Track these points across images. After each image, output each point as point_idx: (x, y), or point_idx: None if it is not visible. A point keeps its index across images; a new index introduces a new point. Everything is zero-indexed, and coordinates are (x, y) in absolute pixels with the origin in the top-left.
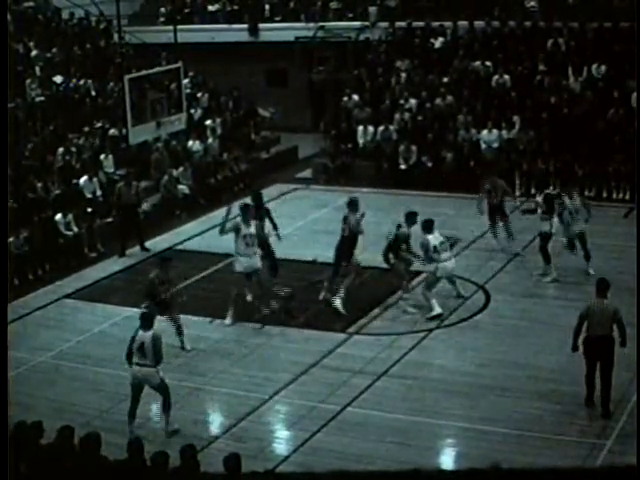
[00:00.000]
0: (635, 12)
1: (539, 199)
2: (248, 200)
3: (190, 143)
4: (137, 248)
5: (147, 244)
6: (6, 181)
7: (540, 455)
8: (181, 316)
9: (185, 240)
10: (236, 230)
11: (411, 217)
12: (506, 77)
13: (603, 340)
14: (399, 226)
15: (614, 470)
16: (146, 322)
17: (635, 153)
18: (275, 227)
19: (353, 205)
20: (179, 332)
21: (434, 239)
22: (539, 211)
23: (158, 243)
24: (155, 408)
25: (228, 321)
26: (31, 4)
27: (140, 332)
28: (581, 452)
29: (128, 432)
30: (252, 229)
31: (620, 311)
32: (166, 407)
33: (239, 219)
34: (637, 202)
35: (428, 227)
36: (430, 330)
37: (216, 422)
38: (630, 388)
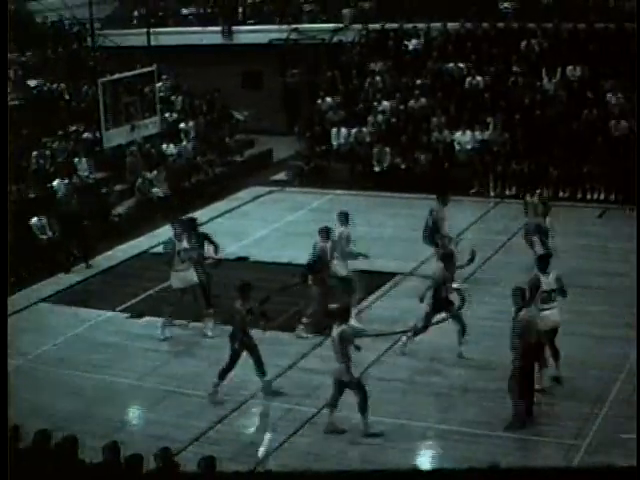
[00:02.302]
0: (635, 12)
1: None
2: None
3: (164, 146)
4: (109, 253)
5: (122, 247)
6: (6, 181)
7: (516, 456)
8: (156, 318)
9: (160, 243)
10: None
11: (343, 217)
12: (480, 78)
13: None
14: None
15: (614, 470)
16: (340, 320)
17: (635, 153)
18: (216, 250)
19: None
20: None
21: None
22: None
23: (133, 247)
24: (133, 413)
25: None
26: None
27: (334, 329)
28: (558, 452)
29: (327, 422)
30: (185, 244)
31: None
32: (362, 407)
33: (172, 236)
34: (637, 202)
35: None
36: (405, 332)
37: (192, 425)
38: (607, 388)
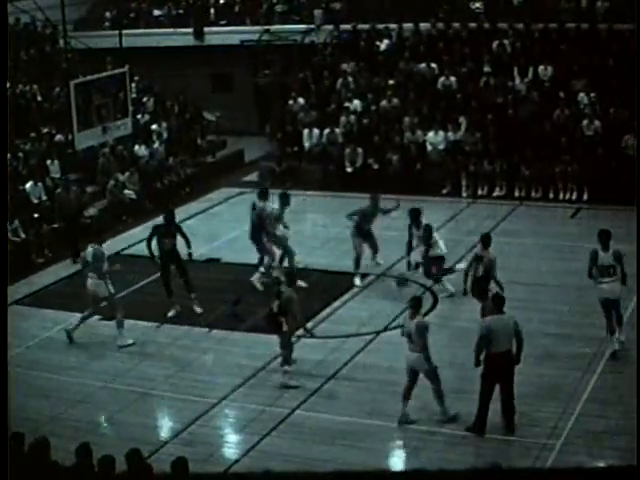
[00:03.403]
0: (635, 12)
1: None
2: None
3: (136, 148)
4: (80, 254)
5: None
6: (6, 181)
7: (491, 456)
8: (127, 320)
9: (132, 245)
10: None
11: (284, 198)
12: (452, 79)
13: (507, 355)
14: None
15: (614, 470)
16: (414, 309)
17: (636, 155)
18: (188, 244)
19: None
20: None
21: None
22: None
23: (105, 248)
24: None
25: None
26: None
27: (407, 320)
28: (532, 452)
29: (401, 413)
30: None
31: (519, 324)
32: (439, 394)
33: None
34: (637, 202)
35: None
36: (377, 332)
37: (165, 427)
38: (579, 387)
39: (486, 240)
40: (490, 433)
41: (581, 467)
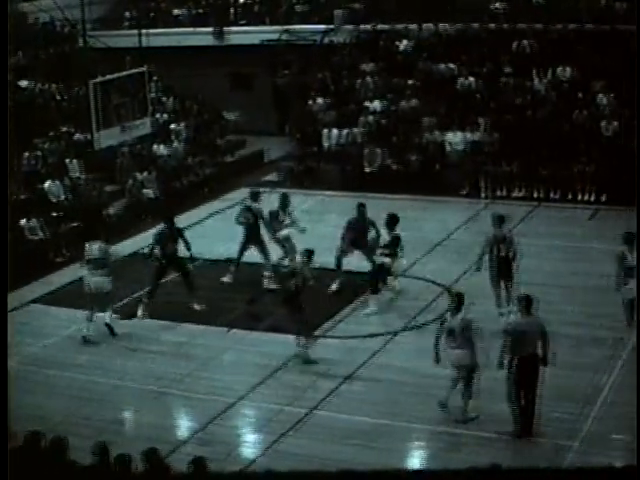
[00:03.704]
0: (635, 13)
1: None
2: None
3: (155, 147)
4: None
5: (113, 248)
6: (6, 183)
7: (507, 458)
8: (147, 320)
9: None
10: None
11: (284, 199)
12: (471, 79)
13: (533, 358)
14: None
15: (614, 470)
16: (456, 306)
17: (635, 156)
18: (188, 247)
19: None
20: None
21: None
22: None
23: (124, 247)
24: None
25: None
26: None
27: (449, 317)
28: (549, 453)
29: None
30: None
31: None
32: (469, 394)
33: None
34: (637, 202)
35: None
36: (395, 333)
37: (182, 426)
38: (596, 388)
39: (500, 219)
40: (507, 434)
41: (581, 467)
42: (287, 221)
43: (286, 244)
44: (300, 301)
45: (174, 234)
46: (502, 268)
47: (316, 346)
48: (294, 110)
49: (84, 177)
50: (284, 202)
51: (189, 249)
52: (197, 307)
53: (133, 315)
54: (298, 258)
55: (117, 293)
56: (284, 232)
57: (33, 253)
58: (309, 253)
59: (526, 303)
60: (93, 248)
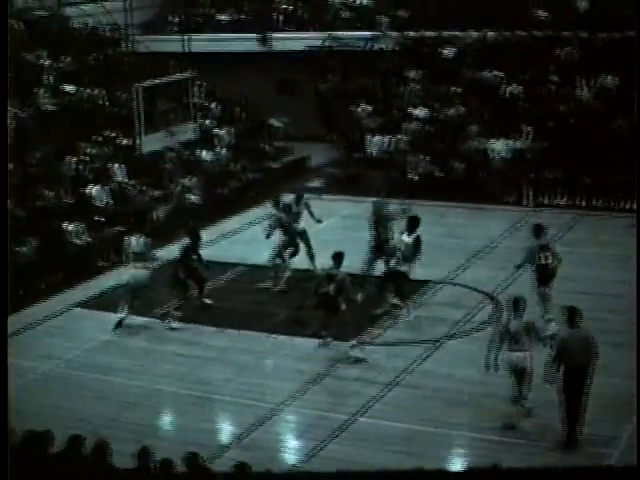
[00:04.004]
0: (636, 15)
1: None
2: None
3: (200, 153)
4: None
5: (158, 253)
6: (6, 183)
7: (549, 464)
8: (191, 325)
9: None
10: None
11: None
12: (515, 87)
13: (582, 370)
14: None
15: (614, 470)
16: (517, 310)
17: (636, 158)
18: (203, 263)
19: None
20: None
21: None
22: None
23: (169, 252)
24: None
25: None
26: (42, 13)
27: (511, 320)
28: (590, 461)
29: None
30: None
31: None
32: (524, 396)
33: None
34: (637, 204)
35: None
36: (439, 340)
37: (224, 431)
38: (637, 397)
39: (539, 228)
40: (549, 441)
41: (581, 467)
42: (301, 212)
43: (301, 238)
44: (338, 303)
45: (198, 247)
46: (545, 276)
47: (361, 348)
48: (339, 116)
49: (129, 182)
50: (298, 197)
51: (205, 265)
52: (209, 301)
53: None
54: (330, 263)
55: (160, 298)
56: (300, 226)
57: (77, 257)
58: (338, 257)
59: (572, 315)
60: (134, 242)
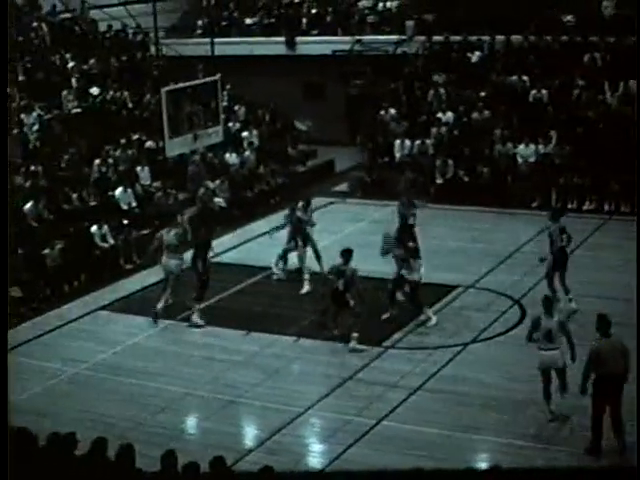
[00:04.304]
0: (636, 16)
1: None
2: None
3: (227, 156)
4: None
5: (184, 256)
6: (6, 185)
7: (574, 470)
8: (215, 328)
9: (220, 253)
10: None
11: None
12: (543, 92)
13: (616, 378)
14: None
15: (614, 470)
16: (548, 309)
17: (636, 159)
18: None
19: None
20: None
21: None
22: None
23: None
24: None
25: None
26: (68, 16)
27: (543, 319)
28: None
29: (548, 411)
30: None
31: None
32: (562, 390)
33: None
34: (637, 205)
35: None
36: (465, 344)
37: (250, 435)
38: None
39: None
40: (574, 447)
41: (581, 467)
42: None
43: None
44: (347, 298)
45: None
46: (562, 259)
47: (383, 356)
48: (365, 120)
49: (155, 185)
50: (307, 203)
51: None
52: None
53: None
54: (338, 260)
55: (184, 301)
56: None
57: (103, 260)
58: (347, 253)
59: (604, 325)
60: (169, 235)
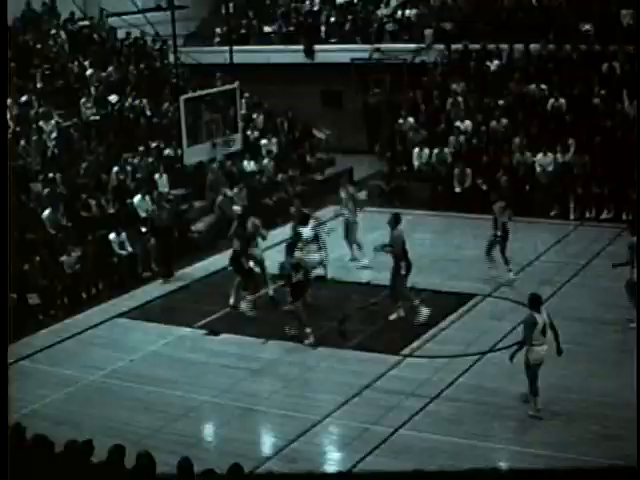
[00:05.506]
0: (636, 16)
1: None
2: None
3: (245, 164)
4: (187, 269)
5: (202, 264)
6: (6, 185)
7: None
8: (234, 336)
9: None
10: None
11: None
12: (561, 100)
13: None
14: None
15: (614, 470)
16: (537, 305)
17: (636, 162)
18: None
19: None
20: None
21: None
22: None
23: (212, 263)
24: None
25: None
26: (86, 23)
27: (537, 316)
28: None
29: (534, 409)
30: None
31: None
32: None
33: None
34: (637, 207)
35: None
36: (483, 353)
37: (268, 443)
38: None
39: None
40: (593, 456)
41: (581, 467)
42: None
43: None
44: (305, 290)
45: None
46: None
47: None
48: (384, 129)
49: (173, 192)
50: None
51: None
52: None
53: (220, 331)
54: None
55: (209, 309)
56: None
57: (121, 267)
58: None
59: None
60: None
